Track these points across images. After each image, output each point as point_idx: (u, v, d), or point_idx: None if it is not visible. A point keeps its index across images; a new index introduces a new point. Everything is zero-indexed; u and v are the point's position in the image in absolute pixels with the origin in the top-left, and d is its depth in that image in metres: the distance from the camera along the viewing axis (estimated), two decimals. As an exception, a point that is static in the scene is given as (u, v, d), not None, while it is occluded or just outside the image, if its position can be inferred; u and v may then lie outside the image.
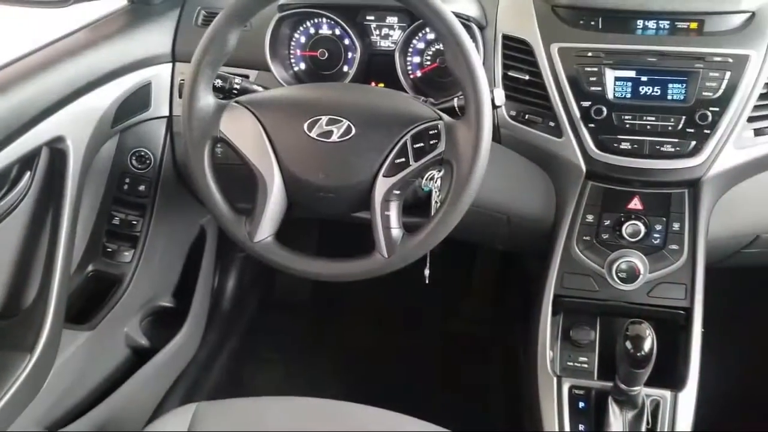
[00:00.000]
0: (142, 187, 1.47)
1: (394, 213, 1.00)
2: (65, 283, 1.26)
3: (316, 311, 2.06)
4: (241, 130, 1.02)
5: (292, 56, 1.33)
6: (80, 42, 1.27)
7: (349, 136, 0.99)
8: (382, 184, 0.99)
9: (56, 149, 1.20)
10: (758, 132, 1.13)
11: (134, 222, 1.48)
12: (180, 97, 1.03)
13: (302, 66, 1.34)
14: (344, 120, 1.00)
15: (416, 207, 1.18)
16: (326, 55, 1.31)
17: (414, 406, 1.10)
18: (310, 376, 1.84)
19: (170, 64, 1.39)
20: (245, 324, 1.97)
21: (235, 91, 1.12)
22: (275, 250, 1.04)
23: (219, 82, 1.10)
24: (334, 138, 0.99)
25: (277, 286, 2.08)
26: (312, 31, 1.32)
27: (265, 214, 1.02)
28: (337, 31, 1.31)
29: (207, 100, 1.02)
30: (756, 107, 1.12)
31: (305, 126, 1.00)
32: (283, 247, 1.04)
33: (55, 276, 1.22)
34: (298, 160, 1.01)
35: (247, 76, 1.28)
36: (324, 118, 1.00)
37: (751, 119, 1.12)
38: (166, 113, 1.42)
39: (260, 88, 1.13)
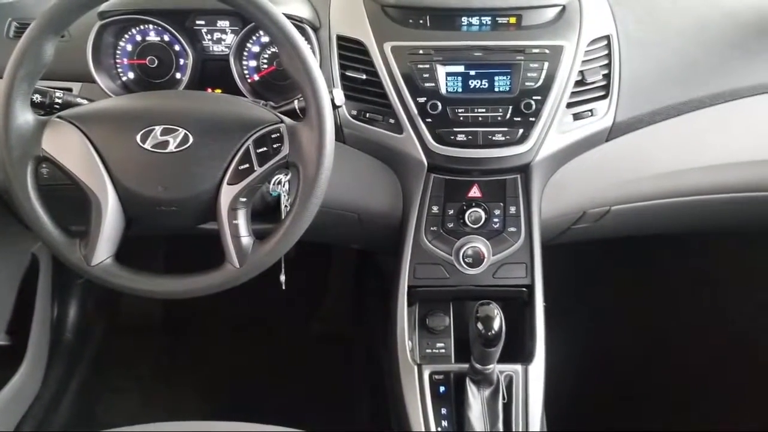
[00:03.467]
0: None
1: (242, 221, 0.98)
2: None
3: (170, 331, 1.98)
4: (67, 147, 0.95)
5: (118, 65, 1.26)
6: None
7: (187, 145, 0.96)
8: (226, 193, 0.96)
9: None
10: (577, 116, 1.22)
11: (-48, 257, 1.35)
12: None
13: (131, 75, 1.27)
14: (180, 129, 0.96)
15: (266, 213, 1.16)
16: (156, 62, 1.25)
17: (280, 414, 1.09)
18: (169, 400, 1.76)
19: None
20: (93, 353, 1.86)
21: (57, 106, 1.05)
22: (116, 272, 0.98)
23: (38, 97, 1.03)
24: (171, 148, 0.96)
25: (125, 309, 1.97)
26: (138, 38, 1.26)
27: (101, 235, 0.96)
28: (166, 38, 1.25)
29: (25, 117, 0.95)
30: (573, 93, 1.21)
31: (138, 137, 0.95)
32: (124, 268, 0.99)
33: None
34: (132, 175, 0.96)
35: (70, 89, 1.20)
36: (158, 128, 0.96)
37: (569, 105, 1.21)
38: None
39: (85, 101, 1.07)
